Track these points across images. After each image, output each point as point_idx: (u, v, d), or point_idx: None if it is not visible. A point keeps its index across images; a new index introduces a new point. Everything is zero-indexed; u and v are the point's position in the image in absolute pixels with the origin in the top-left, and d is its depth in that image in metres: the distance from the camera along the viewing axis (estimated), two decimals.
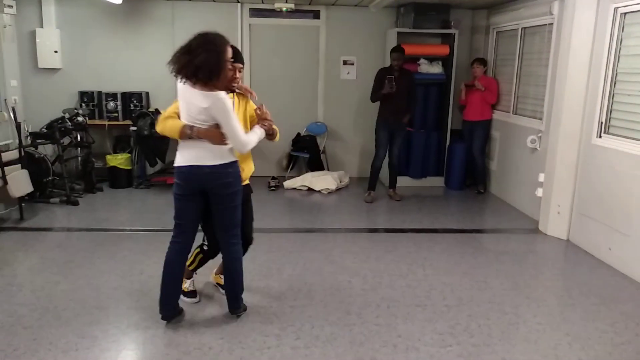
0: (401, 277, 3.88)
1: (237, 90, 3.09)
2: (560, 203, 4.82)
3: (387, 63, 6.63)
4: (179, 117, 2.90)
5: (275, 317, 3.20)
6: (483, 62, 6.34)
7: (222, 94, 2.76)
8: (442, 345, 2.93)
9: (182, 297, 3.26)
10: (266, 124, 3.05)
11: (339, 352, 2.83)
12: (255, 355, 2.78)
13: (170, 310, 3.07)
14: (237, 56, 2.98)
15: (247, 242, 3.35)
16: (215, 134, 2.82)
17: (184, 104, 2.85)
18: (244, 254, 3.24)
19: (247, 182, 3.26)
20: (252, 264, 4.06)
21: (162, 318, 3.06)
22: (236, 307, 3.16)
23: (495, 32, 6.60)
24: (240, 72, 3.03)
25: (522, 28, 5.88)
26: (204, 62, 2.68)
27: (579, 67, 4.54)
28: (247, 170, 3.24)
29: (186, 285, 3.38)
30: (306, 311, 3.29)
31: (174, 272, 3.02)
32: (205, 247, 3.35)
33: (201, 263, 3.42)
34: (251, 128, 3.07)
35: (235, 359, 2.75)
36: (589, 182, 4.54)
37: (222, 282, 3.41)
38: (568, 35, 4.60)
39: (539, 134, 5.31)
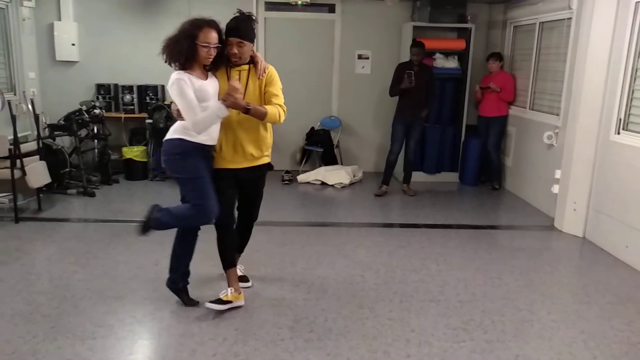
0: (414, 272, 3.88)
1: (240, 64, 3.03)
2: (577, 200, 4.77)
3: (403, 57, 6.62)
4: None
5: (288, 310, 3.22)
6: (499, 57, 6.27)
7: (174, 74, 2.86)
8: (456, 340, 2.93)
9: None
10: (228, 99, 2.80)
11: (352, 345, 2.84)
12: (269, 347, 2.80)
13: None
14: (232, 31, 2.94)
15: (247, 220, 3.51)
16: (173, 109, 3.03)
17: None
18: (246, 230, 3.48)
19: (229, 165, 3.13)
20: (265, 256, 4.09)
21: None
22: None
23: (512, 26, 6.53)
24: (239, 46, 2.94)
25: (539, 22, 5.81)
26: (166, 46, 2.88)
27: (598, 62, 4.48)
28: (220, 153, 3.12)
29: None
30: (319, 304, 3.30)
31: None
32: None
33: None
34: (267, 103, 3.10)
35: (249, 350, 2.77)
36: (606, 179, 4.48)
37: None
38: (587, 29, 4.53)
39: (556, 130, 5.26)
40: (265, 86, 3.10)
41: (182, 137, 2.94)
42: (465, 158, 6.70)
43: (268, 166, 3.36)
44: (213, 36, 2.88)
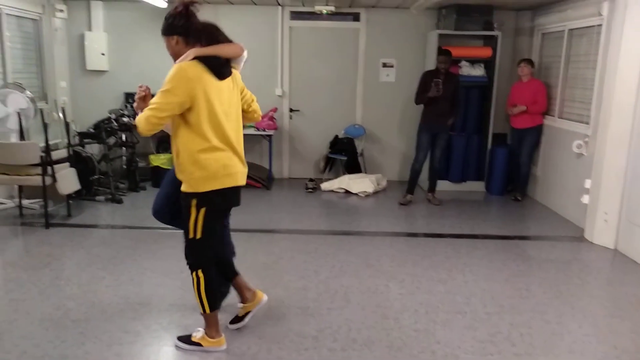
0: (440, 282, 3.82)
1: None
2: (608, 210, 4.65)
3: (428, 66, 6.58)
4: None
5: (312, 319, 3.21)
6: (530, 62, 6.07)
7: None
8: (483, 353, 2.87)
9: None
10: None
11: (376, 356, 2.81)
12: (293, 356, 2.79)
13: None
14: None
15: None
16: None
17: None
18: None
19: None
20: (289, 264, 4.09)
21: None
22: None
23: (540, 33, 6.44)
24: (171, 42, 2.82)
25: (568, 29, 5.71)
26: None
27: (630, 69, 4.38)
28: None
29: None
30: (343, 314, 3.28)
31: None
32: None
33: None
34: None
35: (273, 358, 2.77)
36: (639, 189, 4.36)
37: None
38: (618, 36, 4.44)
39: (586, 139, 5.14)
40: None
41: None
42: (492, 167, 6.61)
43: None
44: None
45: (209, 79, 2.56)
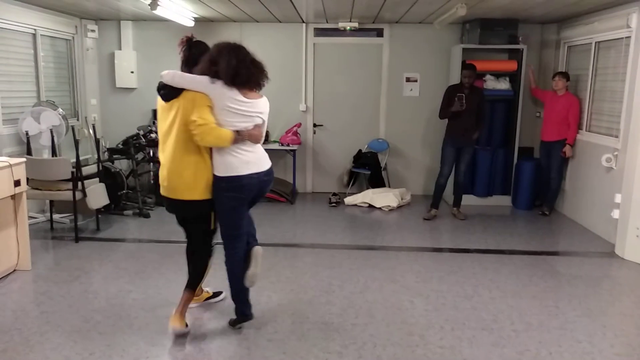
0: (466, 298, 3.77)
1: None
2: (639, 225, 4.53)
3: (452, 80, 6.57)
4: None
5: (337, 334, 3.19)
6: (566, 75, 5.92)
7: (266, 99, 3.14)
8: None
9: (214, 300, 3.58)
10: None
11: None
12: None
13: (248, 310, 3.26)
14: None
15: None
16: (259, 133, 3.03)
17: (232, 109, 2.92)
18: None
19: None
20: (313, 279, 4.09)
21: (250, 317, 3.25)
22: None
23: (566, 46, 6.36)
24: None
25: (595, 42, 5.64)
26: (259, 69, 3.05)
27: None
28: None
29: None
30: (367, 329, 3.26)
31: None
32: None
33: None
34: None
35: None
36: None
37: (205, 296, 3.66)
38: None
39: (615, 153, 5.04)
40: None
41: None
42: (518, 181, 6.52)
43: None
44: None
45: (159, 101, 3.12)
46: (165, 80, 3.00)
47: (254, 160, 3.03)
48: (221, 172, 2.97)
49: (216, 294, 3.69)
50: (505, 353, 3.00)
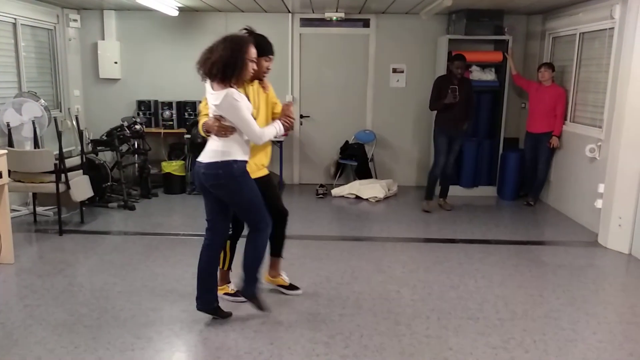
0: (452, 288, 3.80)
1: (263, 79, 3.26)
2: (622, 215, 4.60)
3: (438, 71, 6.58)
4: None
5: (324, 325, 3.20)
6: (551, 66, 5.95)
7: (231, 91, 2.83)
8: None
9: (228, 298, 3.44)
10: (288, 120, 3.19)
11: None
12: None
13: (204, 304, 3.19)
14: (267, 47, 3.17)
15: (282, 214, 3.43)
16: (212, 125, 2.91)
17: (208, 103, 2.98)
18: (283, 226, 3.43)
19: (260, 174, 3.34)
20: (300, 270, 4.09)
21: (198, 309, 3.19)
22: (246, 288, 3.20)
23: (551, 37, 6.40)
24: (270, 62, 3.23)
25: (580, 33, 5.68)
26: (219, 59, 2.81)
27: None
28: (253, 164, 3.22)
29: (231, 287, 3.53)
30: (355, 320, 3.27)
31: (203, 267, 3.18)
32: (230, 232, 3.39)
33: (232, 252, 3.49)
34: (273, 117, 3.25)
35: None
36: None
37: (280, 282, 3.63)
38: (631, 39, 4.40)
39: (599, 143, 5.10)
40: (272, 98, 3.33)
41: (240, 158, 2.97)
42: (504, 172, 6.57)
43: None
44: (254, 51, 2.96)
45: None
46: None
47: (205, 150, 3.02)
48: None
49: (293, 287, 3.66)
50: (491, 342, 3.03)
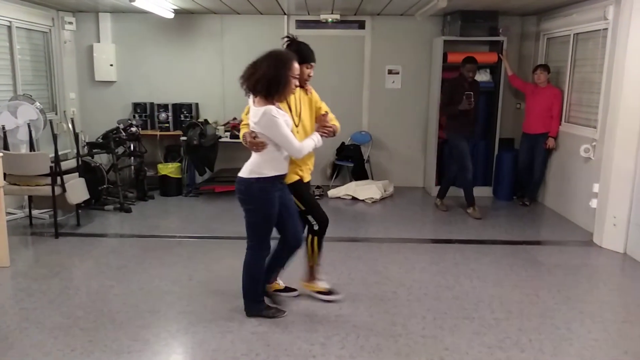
0: (448, 288, 3.81)
1: (305, 85, 3.33)
2: (617, 214, 4.62)
3: (434, 72, 6.61)
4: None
5: (320, 326, 3.21)
6: (547, 68, 5.95)
7: (270, 108, 2.87)
8: (491, 359, 2.85)
9: (324, 297, 3.55)
10: (325, 131, 3.25)
11: None
12: None
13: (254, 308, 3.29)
14: (309, 55, 3.29)
15: (289, 244, 3.30)
16: (250, 141, 2.98)
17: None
18: (288, 256, 3.36)
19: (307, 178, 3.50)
20: (296, 272, 4.09)
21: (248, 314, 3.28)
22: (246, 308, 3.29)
23: (545, 38, 6.43)
24: (310, 68, 3.33)
25: (574, 34, 5.71)
26: (263, 76, 2.84)
27: (636, 72, 4.37)
28: (305, 167, 3.44)
29: (322, 285, 3.61)
30: (351, 320, 3.28)
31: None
32: (315, 228, 3.44)
33: (319, 247, 3.54)
34: (316, 119, 3.33)
35: None
36: None
37: (315, 288, 3.62)
38: (624, 39, 4.43)
39: (593, 143, 5.13)
40: (315, 102, 3.40)
41: (269, 174, 3.03)
42: (499, 172, 6.59)
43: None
44: (297, 67, 3.02)
45: None
46: None
47: (248, 164, 3.11)
48: None
49: (289, 289, 3.69)
50: (486, 341, 3.04)
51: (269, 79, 2.84)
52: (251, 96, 2.98)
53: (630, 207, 4.55)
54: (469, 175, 5.74)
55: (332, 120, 3.37)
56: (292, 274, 4.00)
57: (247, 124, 3.09)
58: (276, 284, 3.65)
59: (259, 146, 2.97)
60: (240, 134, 3.16)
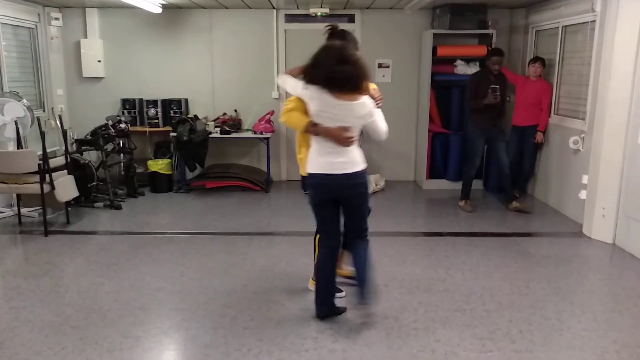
0: (439, 281, 3.83)
1: None
2: (605, 205, 4.66)
3: (424, 66, 6.61)
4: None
5: (313, 320, 3.21)
6: (543, 62, 5.86)
7: (366, 97, 2.94)
8: (482, 350, 2.88)
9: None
10: (379, 102, 3.16)
11: (376, 356, 2.81)
12: (294, 358, 2.79)
13: (326, 309, 3.22)
14: (356, 44, 3.25)
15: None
16: (340, 136, 2.90)
17: (326, 113, 2.90)
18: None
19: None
20: (289, 266, 4.10)
21: (319, 317, 3.21)
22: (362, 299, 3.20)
23: (534, 31, 6.45)
24: None
25: (562, 26, 5.73)
26: (364, 74, 2.86)
27: (624, 64, 4.40)
28: None
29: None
30: (343, 314, 3.28)
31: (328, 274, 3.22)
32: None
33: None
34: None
35: None
36: (635, 184, 4.38)
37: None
38: (612, 32, 4.46)
39: (582, 135, 5.16)
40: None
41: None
42: (490, 165, 6.61)
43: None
44: None
45: None
46: (279, 84, 3.19)
47: (332, 161, 2.97)
48: (308, 169, 3.08)
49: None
50: (478, 333, 3.07)
51: (366, 74, 2.89)
52: (318, 91, 2.88)
53: (618, 198, 4.59)
54: (472, 172, 5.75)
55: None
56: (285, 267, 4.00)
57: (299, 109, 2.99)
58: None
59: (354, 140, 2.97)
60: (304, 121, 2.96)
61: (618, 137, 4.51)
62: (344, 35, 3.23)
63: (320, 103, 2.89)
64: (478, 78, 5.66)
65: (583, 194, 4.92)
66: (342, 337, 3.01)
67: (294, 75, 3.13)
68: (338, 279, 3.38)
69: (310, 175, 3.06)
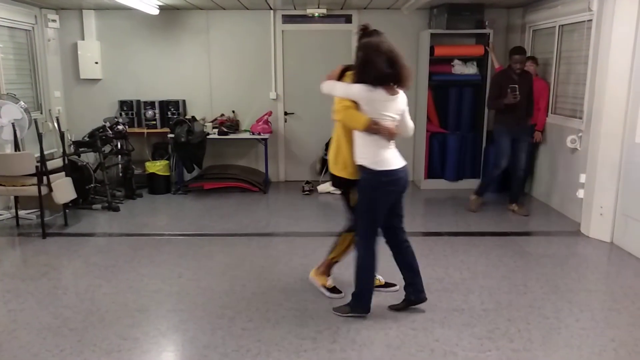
0: (437, 280, 3.83)
1: None
2: (603, 204, 4.67)
3: (421, 65, 6.61)
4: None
5: (311, 320, 3.21)
6: (535, 60, 5.89)
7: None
8: (481, 350, 2.88)
9: (327, 293, 3.56)
10: None
11: (375, 356, 2.81)
12: (292, 358, 2.79)
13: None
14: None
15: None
16: (393, 129, 3.03)
17: (383, 109, 3.00)
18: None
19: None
20: (287, 267, 4.10)
21: (367, 312, 3.26)
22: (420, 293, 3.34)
23: (531, 30, 6.46)
24: None
25: (559, 25, 5.74)
26: (410, 72, 3.02)
27: (620, 63, 4.41)
28: None
29: (329, 282, 3.62)
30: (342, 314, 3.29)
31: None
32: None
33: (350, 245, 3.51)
34: None
35: None
36: (633, 182, 4.38)
37: (324, 282, 3.64)
38: (608, 31, 4.47)
39: (579, 134, 5.17)
40: None
41: None
42: (487, 164, 6.62)
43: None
44: None
45: None
46: (324, 92, 3.19)
47: (397, 155, 3.12)
48: (380, 167, 3.03)
49: (389, 285, 3.69)
50: (476, 332, 3.07)
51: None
52: (380, 91, 2.96)
53: (616, 196, 4.60)
54: (496, 173, 5.64)
55: None
56: (282, 268, 4.01)
57: (354, 107, 3.03)
58: (377, 280, 3.63)
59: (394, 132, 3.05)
60: (362, 118, 2.99)
61: (615, 136, 4.51)
62: (378, 34, 3.25)
63: (378, 101, 2.97)
64: (500, 77, 5.52)
65: (581, 193, 4.93)
66: (341, 337, 3.01)
67: (337, 79, 3.19)
68: (337, 279, 3.38)
69: (388, 172, 3.04)
